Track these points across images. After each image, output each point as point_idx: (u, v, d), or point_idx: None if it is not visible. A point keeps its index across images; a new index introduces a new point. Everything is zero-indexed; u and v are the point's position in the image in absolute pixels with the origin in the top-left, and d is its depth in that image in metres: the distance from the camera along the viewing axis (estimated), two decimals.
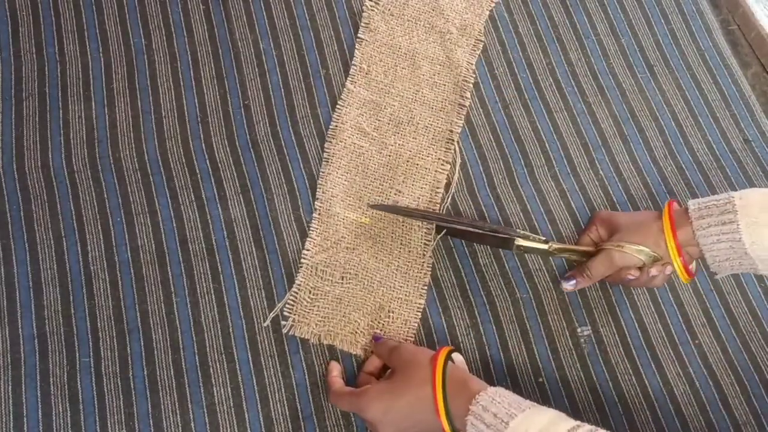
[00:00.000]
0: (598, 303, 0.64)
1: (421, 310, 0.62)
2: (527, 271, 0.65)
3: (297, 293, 0.62)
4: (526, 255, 0.65)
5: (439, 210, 0.66)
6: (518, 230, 0.63)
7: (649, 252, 0.55)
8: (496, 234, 0.60)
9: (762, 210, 0.48)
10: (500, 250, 0.65)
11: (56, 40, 0.70)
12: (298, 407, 0.59)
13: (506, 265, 0.65)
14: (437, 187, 0.67)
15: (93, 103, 0.68)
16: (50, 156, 0.66)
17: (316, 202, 0.65)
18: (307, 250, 0.63)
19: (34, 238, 0.63)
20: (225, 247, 0.63)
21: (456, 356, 0.56)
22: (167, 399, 0.58)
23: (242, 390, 0.59)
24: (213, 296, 0.62)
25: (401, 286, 0.63)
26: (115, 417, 0.57)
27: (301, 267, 0.63)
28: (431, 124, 0.69)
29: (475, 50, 0.73)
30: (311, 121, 0.69)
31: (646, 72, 0.74)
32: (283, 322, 0.61)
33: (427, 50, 0.73)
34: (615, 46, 0.75)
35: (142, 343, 0.60)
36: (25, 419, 0.57)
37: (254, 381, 0.59)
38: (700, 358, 0.62)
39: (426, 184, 0.67)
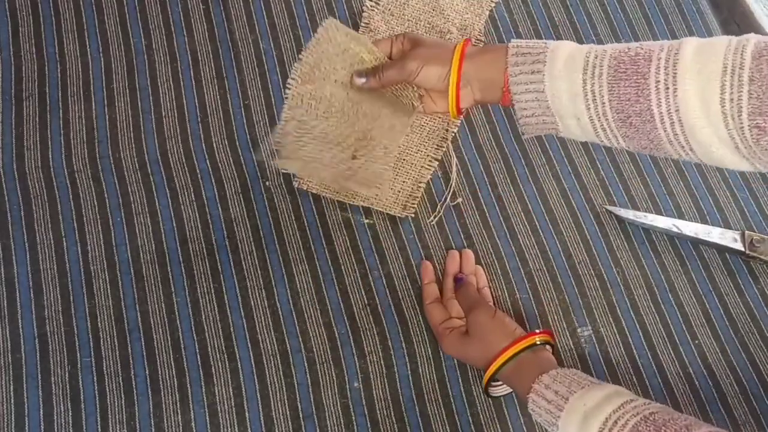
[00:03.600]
0: (598, 303, 0.64)
1: (422, 167, 0.66)
2: (528, 271, 0.65)
3: (284, 126, 0.57)
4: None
5: (438, 211, 0.66)
6: None
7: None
8: None
9: (565, 62, 0.45)
10: (501, 249, 0.65)
11: (56, 40, 0.70)
12: (299, 407, 0.59)
13: (507, 265, 0.65)
14: (420, 182, 0.67)
15: (93, 103, 0.68)
16: (50, 156, 0.66)
17: (312, 37, 0.56)
18: (293, 79, 0.56)
19: (34, 238, 0.63)
20: (225, 247, 0.64)
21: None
22: (168, 398, 0.58)
23: (243, 389, 0.59)
24: (213, 296, 0.62)
25: (386, 117, 0.60)
26: (117, 417, 0.57)
27: (287, 98, 0.56)
28: (426, 123, 0.70)
29: None
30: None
31: None
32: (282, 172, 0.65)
33: None
34: None
35: (143, 343, 0.60)
36: (26, 418, 0.57)
37: (255, 380, 0.59)
38: (700, 358, 0.63)
39: (408, 179, 0.67)
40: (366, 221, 0.66)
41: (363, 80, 0.55)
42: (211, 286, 0.62)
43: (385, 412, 0.59)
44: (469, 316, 0.58)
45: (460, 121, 0.70)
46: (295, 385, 0.59)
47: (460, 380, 0.61)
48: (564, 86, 0.45)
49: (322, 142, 0.58)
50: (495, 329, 0.56)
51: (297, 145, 0.58)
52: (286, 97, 0.56)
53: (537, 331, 0.56)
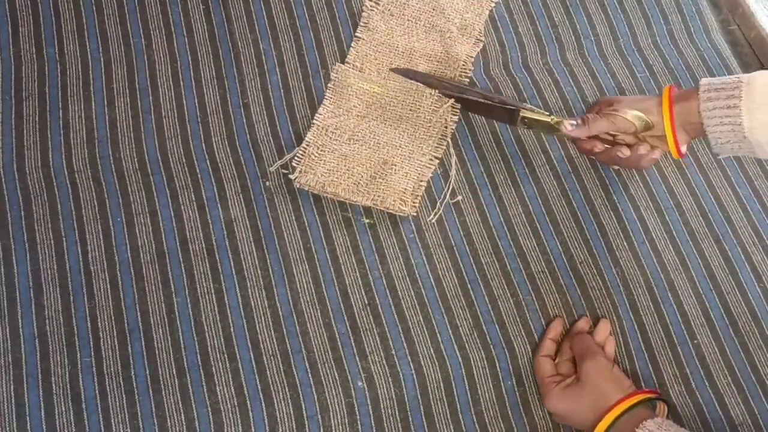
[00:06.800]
0: (601, 303, 0.64)
1: (423, 166, 0.67)
2: (529, 273, 0.65)
3: (306, 148, 0.66)
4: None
5: (438, 208, 0.67)
6: (525, 104, 0.65)
7: (643, 117, 0.58)
8: (504, 105, 0.64)
9: (763, 94, 0.48)
10: (502, 250, 0.65)
11: (56, 40, 0.70)
12: (303, 406, 0.59)
13: (508, 266, 0.65)
14: (421, 180, 0.67)
15: (93, 103, 0.68)
16: (50, 156, 0.65)
17: (329, 83, 0.70)
18: (319, 114, 0.68)
19: (34, 238, 0.63)
20: (225, 247, 0.64)
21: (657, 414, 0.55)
22: (170, 398, 0.58)
23: (245, 389, 0.59)
24: (213, 296, 0.62)
25: (406, 145, 0.68)
26: (119, 416, 0.57)
27: (312, 127, 0.67)
28: (426, 122, 0.69)
29: (474, 50, 0.73)
30: (311, 120, 0.69)
31: (646, 72, 0.74)
32: (289, 174, 0.66)
33: (426, 49, 0.73)
34: (614, 46, 0.75)
35: (143, 343, 0.60)
36: (28, 418, 0.57)
37: (257, 380, 0.59)
38: (698, 358, 0.63)
39: (410, 178, 0.67)
40: (366, 221, 0.66)
41: (573, 124, 0.62)
42: (211, 286, 0.62)
43: (389, 411, 0.59)
44: (583, 364, 0.56)
45: (457, 118, 0.70)
46: (298, 385, 0.59)
47: (465, 379, 0.61)
48: (763, 118, 0.47)
49: (344, 161, 0.66)
50: (610, 380, 0.55)
51: (317, 162, 0.65)
52: (312, 126, 0.67)
53: (648, 389, 0.57)
